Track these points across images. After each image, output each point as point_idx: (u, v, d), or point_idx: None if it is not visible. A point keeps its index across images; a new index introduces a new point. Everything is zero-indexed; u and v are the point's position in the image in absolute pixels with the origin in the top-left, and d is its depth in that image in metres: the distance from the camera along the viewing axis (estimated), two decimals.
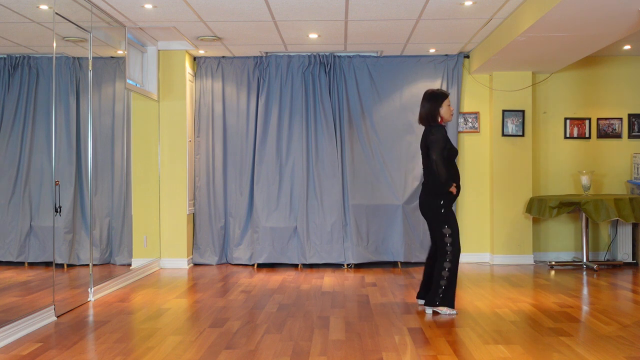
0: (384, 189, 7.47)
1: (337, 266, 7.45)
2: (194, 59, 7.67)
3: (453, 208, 5.06)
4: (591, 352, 3.82)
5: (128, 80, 6.45)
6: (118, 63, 6.39)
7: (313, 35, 6.64)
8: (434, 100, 5.00)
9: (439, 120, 4.99)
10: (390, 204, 7.43)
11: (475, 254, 7.55)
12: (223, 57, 7.62)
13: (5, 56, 5.76)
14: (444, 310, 4.87)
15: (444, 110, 4.98)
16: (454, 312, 4.87)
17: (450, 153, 4.95)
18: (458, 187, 4.97)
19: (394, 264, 7.47)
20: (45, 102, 5.76)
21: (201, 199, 7.58)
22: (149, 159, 7.23)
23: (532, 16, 5.22)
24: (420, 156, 7.37)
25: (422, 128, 7.43)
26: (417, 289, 5.93)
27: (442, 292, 4.86)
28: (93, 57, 5.67)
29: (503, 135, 7.44)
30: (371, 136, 7.52)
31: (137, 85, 6.81)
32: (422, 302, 5.15)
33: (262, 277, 6.78)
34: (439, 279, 4.86)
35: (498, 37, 6.31)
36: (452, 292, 4.89)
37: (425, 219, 5.09)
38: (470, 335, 4.25)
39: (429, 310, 4.93)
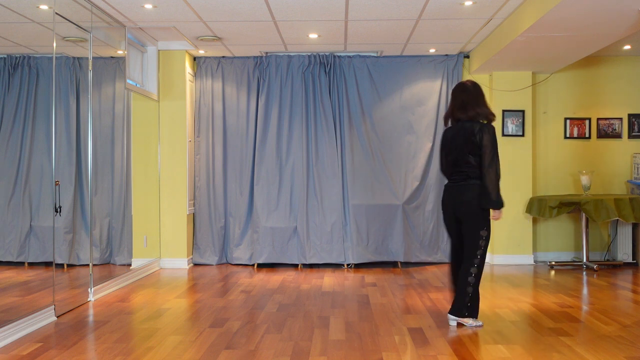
0: (384, 189, 7.47)
1: (337, 266, 7.45)
2: (194, 59, 7.66)
3: None
4: (591, 352, 3.82)
5: (128, 80, 6.45)
6: (118, 63, 6.39)
7: (313, 35, 6.64)
8: (481, 92, 4.59)
9: (491, 117, 4.52)
10: (390, 204, 7.43)
11: None
12: (223, 57, 7.62)
13: (5, 56, 5.76)
14: (469, 322, 4.40)
15: None
16: (480, 323, 4.42)
17: None
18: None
19: (394, 264, 7.46)
20: (45, 102, 5.75)
21: (201, 199, 7.58)
22: (149, 159, 7.22)
23: (532, 16, 5.22)
24: (420, 156, 7.50)
25: (422, 128, 7.52)
26: (417, 289, 5.92)
27: (470, 301, 4.35)
28: (93, 57, 5.67)
29: (503, 135, 7.43)
30: (371, 136, 7.52)
31: (137, 85, 6.80)
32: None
33: (262, 277, 6.78)
34: (464, 285, 4.33)
35: (498, 37, 6.31)
36: (478, 301, 4.42)
37: (461, 218, 4.45)
38: (470, 335, 4.25)
39: (452, 322, 4.43)
